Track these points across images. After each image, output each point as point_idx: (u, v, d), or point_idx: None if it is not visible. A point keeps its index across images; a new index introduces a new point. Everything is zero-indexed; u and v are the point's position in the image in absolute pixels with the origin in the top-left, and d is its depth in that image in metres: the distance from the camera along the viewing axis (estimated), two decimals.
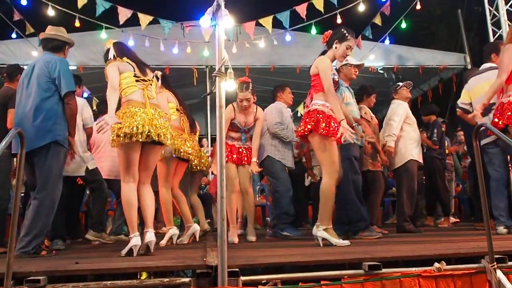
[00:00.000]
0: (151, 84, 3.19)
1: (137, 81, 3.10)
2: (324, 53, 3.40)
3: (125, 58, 3.16)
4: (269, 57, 7.23)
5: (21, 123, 3.14)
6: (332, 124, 3.13)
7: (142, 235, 2.98)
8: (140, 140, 2.93)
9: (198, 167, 4.23)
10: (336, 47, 3.30)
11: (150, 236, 2.93)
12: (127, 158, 2.98)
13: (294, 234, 4.14)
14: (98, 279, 2.22)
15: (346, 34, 3.31)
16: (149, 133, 2.93)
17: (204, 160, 4.31)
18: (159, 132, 2.99)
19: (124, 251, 2.90)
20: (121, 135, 2.90)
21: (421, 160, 4.63)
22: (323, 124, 3.12)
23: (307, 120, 3.21)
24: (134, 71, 3.13)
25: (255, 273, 2.21)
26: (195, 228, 3.96)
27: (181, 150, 3.83)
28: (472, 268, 2.29)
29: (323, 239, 3.15)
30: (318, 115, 3.16)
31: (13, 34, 6.72)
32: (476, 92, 4.17)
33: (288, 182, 4.36)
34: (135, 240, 2.87)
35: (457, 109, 4.37)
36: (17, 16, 6.28)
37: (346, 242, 3.11)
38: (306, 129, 3.20)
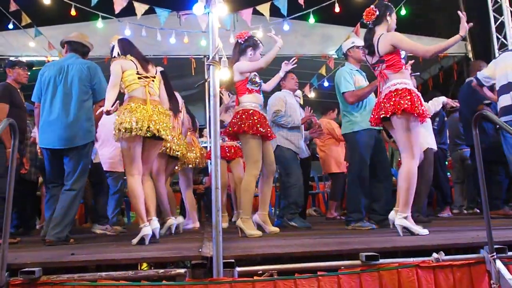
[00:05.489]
0: (153, 81, 3.29)
1: (139, 78, 3.23)
2: (371, 30, 3.22)
3: (128, 56, 3.27)
4: (267, 46, 7.12)
5: (60, 119, 3.32)
6: (421, 103, 2.97)
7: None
8: (140, 134, 3.04)
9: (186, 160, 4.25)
10: (388, 20, 3.21)
11: (154, 223, 3.09)
12: (130, 151, 3.10)
13: (301, 225, 4.07)
14: (94, 270, 2.19)
15: (392, 6, 3.26)
16: (148, 128, 3.04)
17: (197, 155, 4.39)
18: (159, 128, 3.09)
19: (135, 240, 2.99)
20: (122, 129, 3.02)
21: (435, 147, 4.59)
22: (418, 104, 2.91)
23: (396, 99, 2.91)
24: (137, 68, 3.24)
25: (251, 263, 2.19)
26: (171, 222, 3.90)
27: (173, 148, 3.91)
28: (471, 259, 2.25)
29: (403, 227, 2.95)
30: (412, 94, 2.91)
31: (10, 24, 6.65)
32: (499, 70, 3.96)
33: (299, 172, 4.26)
34: (146, 230, 2.98)
35: (474, 79, 4.18)
36: (13, 7, 6.19)
37: (426, 231, 2.92)
38: (398, 108, 2.90)
